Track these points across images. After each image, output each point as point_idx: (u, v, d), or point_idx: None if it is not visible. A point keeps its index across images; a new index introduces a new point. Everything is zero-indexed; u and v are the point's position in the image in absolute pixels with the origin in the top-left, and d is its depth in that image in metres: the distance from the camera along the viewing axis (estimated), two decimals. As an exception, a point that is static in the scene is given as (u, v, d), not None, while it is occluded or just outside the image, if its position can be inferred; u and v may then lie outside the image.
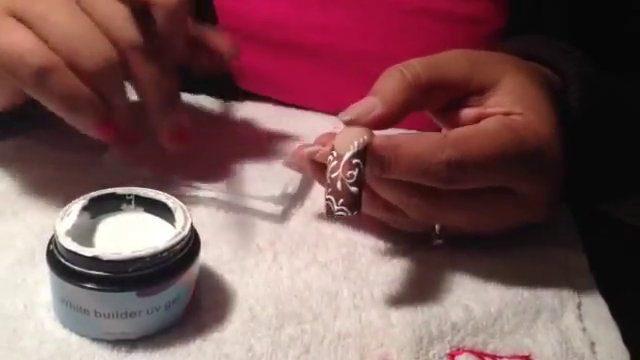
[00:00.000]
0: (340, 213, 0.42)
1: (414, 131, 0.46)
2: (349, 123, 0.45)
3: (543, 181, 0.46)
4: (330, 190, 0.42)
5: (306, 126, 0.63)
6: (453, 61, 0.47)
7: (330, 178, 0.42)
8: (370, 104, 0.45)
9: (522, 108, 0.46)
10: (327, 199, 0.42)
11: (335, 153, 0.43)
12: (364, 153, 0.42)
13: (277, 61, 0.65)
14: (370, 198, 0.46)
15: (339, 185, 0.42)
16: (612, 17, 0.60)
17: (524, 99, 0.46)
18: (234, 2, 0.64)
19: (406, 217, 0.47)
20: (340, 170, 0.42)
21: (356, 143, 0.42)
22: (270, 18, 0.64)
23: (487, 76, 0.47)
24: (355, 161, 0.42)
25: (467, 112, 0.47)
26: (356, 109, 0.45)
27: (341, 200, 0.42)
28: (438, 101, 0.48)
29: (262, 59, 0.65)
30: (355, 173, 0.42)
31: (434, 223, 0.48)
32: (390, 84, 0.45)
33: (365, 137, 0.43)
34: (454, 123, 0.48)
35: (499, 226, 0.48)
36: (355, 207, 0.42)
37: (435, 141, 0.43)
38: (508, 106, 0.46)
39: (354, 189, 0.42)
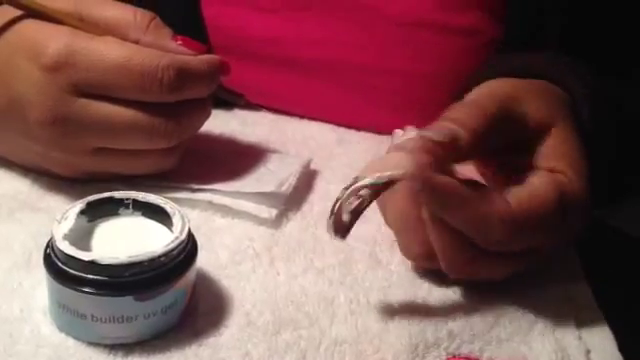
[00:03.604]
0: (327, 230, 0.43)
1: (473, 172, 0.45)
2: (428, 145, 0.41)
3: (570, 237, 0.47)
4: (332, 205, 0.42)
5: (303, 130, 0.63)
6: (509, 95, 0.46)
7: (339, 194, 0.42)
8: (453, 130, 0.42)
9: (564, 165, 0.45)
10: (330, 211, 0.43)
11: (357, 176, 0.42)
12: (378, 188, 0.42)
13: (273, 77, 0.65)
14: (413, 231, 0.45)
15: (337, 204, 0.42)
16: (611, 23, 0.60)
17: (568, 154, 0.46)
18: (226, 20, 0.64)
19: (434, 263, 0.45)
20: (347, 192, 0.42)
21: (376, 175, 0.42)
22: (264, 35, 0.64)
23: (544, 118, 0.46)
24: (363, 192, 0.42)
25: (517, 164, 0.46)
26: (440, 132, 0.42)
27: (332, 219, 0.42)
28: (504, 138, 0.46)
29: (257, 76, 0.65)
30: (355, 203, 0.42)
31: (460, 277, 0.47)
32: (466, 113, 0.44)
33: (393, 173, 0.42)
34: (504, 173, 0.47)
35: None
36: (338, 232, 0.42)
37: (501, 210, 0.42)
38: (553, 160, 0.45)
39: (346, 216, 0.42)
